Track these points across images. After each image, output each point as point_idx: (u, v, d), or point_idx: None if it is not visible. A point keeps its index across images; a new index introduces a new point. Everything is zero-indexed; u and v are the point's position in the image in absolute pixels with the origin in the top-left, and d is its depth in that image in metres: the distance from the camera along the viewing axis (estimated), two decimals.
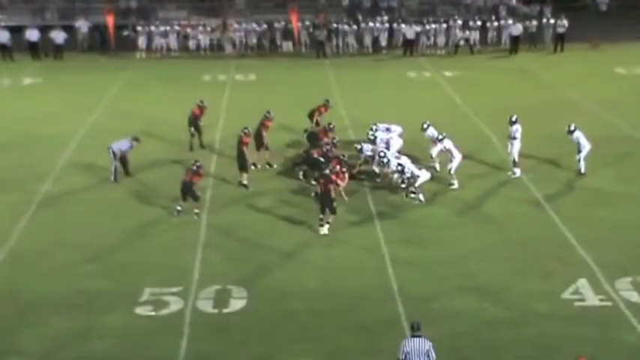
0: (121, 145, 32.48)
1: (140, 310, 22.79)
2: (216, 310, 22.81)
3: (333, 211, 27.40)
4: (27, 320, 22.39)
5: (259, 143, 33.18)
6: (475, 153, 33.49)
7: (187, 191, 28.44)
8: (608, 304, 22.87)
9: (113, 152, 32.21)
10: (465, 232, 27.68)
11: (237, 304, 23.09)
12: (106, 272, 25.07)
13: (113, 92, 43.17)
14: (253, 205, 29.78)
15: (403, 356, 17.86)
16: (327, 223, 27.42)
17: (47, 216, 29.49)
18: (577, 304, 22.91)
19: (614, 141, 35.63)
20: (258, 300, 23.23)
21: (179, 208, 28.70)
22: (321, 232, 27.28)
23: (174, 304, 23.02)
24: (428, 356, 17.71)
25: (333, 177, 28.07)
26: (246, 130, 31.64)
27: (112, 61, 57.06)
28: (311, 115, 36.53)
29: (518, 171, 31.48)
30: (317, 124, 35.88)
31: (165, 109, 42.39)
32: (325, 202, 27.38)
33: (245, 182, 31.41)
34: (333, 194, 27.53)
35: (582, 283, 23.94)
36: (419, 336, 17.94)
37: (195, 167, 28.91)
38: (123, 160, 32.50)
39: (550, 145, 35.16)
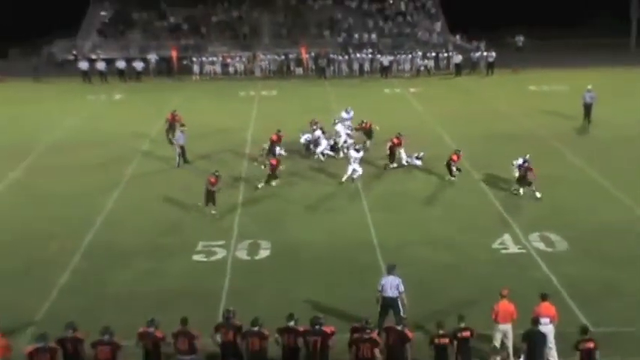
0: (178, 138, 32.49)
1: (196, 257, 22.82)
2: (249, 258, 22.81)
3: None
4: (118, 263, 22.47)
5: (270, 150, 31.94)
6: (431, 147, 33.32)
7: (209, 195, 26.23)
8: (524, 251, 22.86)
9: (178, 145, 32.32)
10: (425, 203, 27.60)
11: (264, 253, 23.09)
12: (172, 230, 25.08)
13: (176, 104, 42.98)
14: (274, 185, 29.72)
15: (380, 287, 17.87)
16: None
17: (132, 191, 29.49)
18: (502, 252, 22.89)
19: (527, 138, 35.52)
20: (279, 250, 23.20)
21: (213, 212, 26.35)
22: None
23: (220, 253, 23.04)
24: (397, 288, 17.67)
25: None
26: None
27: (175, 82, 56.85)
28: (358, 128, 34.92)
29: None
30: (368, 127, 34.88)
31: (213, 116, 42.31)
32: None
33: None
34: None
35: (506, 237, 23.91)
36: (392, 274, 17.94)
37: (213, 175, 26.63)
38: (182, 149, 32.45)
39: (485, 141, 35.09)
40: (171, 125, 35.88)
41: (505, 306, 16.69)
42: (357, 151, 30.32)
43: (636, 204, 26.62)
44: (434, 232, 24.67)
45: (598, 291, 20.05)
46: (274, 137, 32.44)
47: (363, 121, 34.73)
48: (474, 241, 23.71)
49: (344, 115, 35.80)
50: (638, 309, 19.00)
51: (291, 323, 15.80)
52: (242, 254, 23.00)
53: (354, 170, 29.50)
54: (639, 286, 20.27)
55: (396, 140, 31.50)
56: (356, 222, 25.66)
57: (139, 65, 57.71)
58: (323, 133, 33.23)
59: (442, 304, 18.86)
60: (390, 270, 18.07)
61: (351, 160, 29.65)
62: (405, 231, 24.72)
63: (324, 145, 32.89)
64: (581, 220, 25.41)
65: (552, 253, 22.66)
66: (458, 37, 66.75)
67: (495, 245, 23.31)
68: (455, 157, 29.54)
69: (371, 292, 18.92)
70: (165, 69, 59.74)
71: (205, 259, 22.66)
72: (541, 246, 23.22)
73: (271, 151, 31.89)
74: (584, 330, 15.68)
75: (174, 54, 60.22)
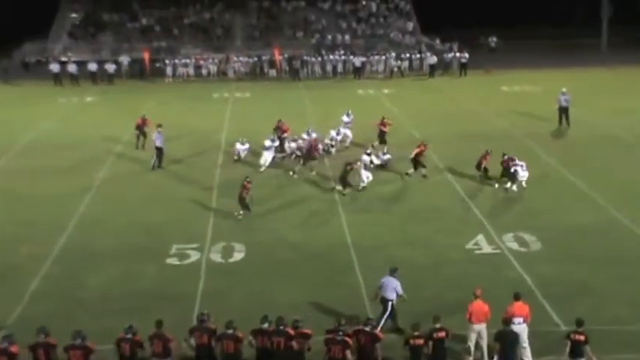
0: (156, 139, 32.38)
1: (170, 261, 22.71)
2: (223, 260, 22.73)
3: None
4: (91, 267, 22.31)
5: None
6: (405, 148, 33.28)
7: (240, 201, 25.97)
8: (498, 251, 22.98)
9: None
10: (399, 204, 27.66)
11: (238, 255, 23.02)
12: (145, 234, 24.94)
13: (149, 107, 42.82)
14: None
15: (380, 285, 18.09)
16: None
17: (104, 194, 29.30)
18: (476, 252, 23.00)
19: (501, 138, 35.68)
20: (253, 253, 23.13)
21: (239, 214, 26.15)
22: None
23: (194, 256, 22.94)
24: (395, 290, 17.83)
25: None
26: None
27: (147, 85, 56.59)
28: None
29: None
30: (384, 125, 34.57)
31: (186, 118, 42.16)
32: None
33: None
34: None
35: (480, 237, 24.01)
36: (393, 276, 18.07)
37: (246, 181, 26.31)
38: (160, 151, 32.26)
39: (459, 141, 35.29)
40: (142, 130, 35.66)
41: (479, 306, 16.76)
42: (369, 155, 30.34)
43: (611, 204, 26.83)
44: (408, 232, 24.71)
45: (571, 291, 20.18)
46: (285, 127, 33.59)
47: (383, 117, 34.78)
48: (448, 241, 23.78)
49: (345, 118, 35.84)
50: (611, 308, 19.17)
51: (265, 325, 15.78)
52: (216, 257, 22.92)
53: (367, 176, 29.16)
54: (612, 286, 20.44)
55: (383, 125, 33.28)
56: (330, 223, 25.66)
57: (110, 67, 57.28)
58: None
59: (417, 305, 18.89)
60: (392, 271, 18.22)
61: (364, 165, 29.43)
62: (380, 232, 24.75)
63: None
64: (556, 220, 25.58)
65: (526, 254, 22.79)
66: (438, 40, 66.81)
67: (469, 246, 23.40)
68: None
69: (347, 293, 18.99)
70: (138, 71, 59.38)
71: (179, 263, 22.54)
72: (515, 246, 23.34)
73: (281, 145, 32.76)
74: (579, 322, 15.86)
75: (146, 56, 59.89)
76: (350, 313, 18.35)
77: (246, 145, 33.15)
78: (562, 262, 22.09)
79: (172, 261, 22.68)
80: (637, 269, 21.52)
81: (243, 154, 33.03)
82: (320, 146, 32.45)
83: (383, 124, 34.00)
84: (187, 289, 20.67)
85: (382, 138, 33.78)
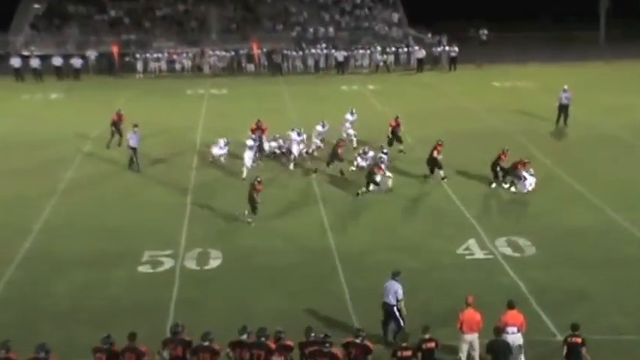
0: (130, 139, 32.23)
1: (142, 268, 22.64)
2: (198, 267, 22.70)
3: None
4: (57, 274, 22.23)
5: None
6: (391, 147, 33.46)
7: (250, 201, 25.85)
8: (490, 257, 23.09)
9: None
10: (386, 207, 27.70)
11: (214, 262, 23.00)
12: (115, 239, 24.85)
13: (119, 104, 42.64)
14: (227, 188, 29.65)
15: (383, 289, 18.10)
16: None
17: (72, 196, 29.21)
18: (468, 257, 23.09)
19: (493, 136, 35.80)
20: (231, 259, 23.12)
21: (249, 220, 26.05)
22: None
23: (167, 264, 22.87)
24: (395, 294, 17.83)
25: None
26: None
27: (117, 80, 56.41)
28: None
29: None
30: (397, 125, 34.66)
31: (158, 116, 42.06)
32: None
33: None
34: None
35: (472, 242, 24.11)
36: (394, 279, 18.08)
37: (256, 181, 26.04)
38: (134, 151, 32.13)
39: (449, 140, 35.09)
40: (117, 127, 35.53)
41: (471, 315, 16.81)
42: (386, 153, 30.23)
43: (609, 206, 27.02)
44: (395, 237, 24.77)
45: (568, 297, 20.30)
46: (264, 127, 33.30)
47: (398, 117, 34.91)
48: (437, 246, 23.87)
49: (348, 117, 35.82)
50: (609, 316, 19.31)
51: (244, 336, 15.75)
52: (191, 264, 22.88)
53: (389, 178, 29.07)
54: (610, 292, 20.59)
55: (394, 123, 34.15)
56: (313, 227, 25.69)
57: (77, 62, 57.09)
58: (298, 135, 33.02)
59: (406, 313, 18.95)
60: (394, 275, 18.26)
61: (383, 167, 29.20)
62: (366, 236, 24.82)
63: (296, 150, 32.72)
64: (551, 223, 25.72)
65: (520, 259, 22.91)
66: (429, 34, 66.86)
67: (460, 251, 23.50)
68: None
69: (330, 302, 18.99)
70: (106, 66, 59.20)
71: (151, 270, 22.49)
72: (508, 251, 23.45)
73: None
74: (575, 327, 16.07)
75: (115, 50, 59.69)
76: (334, 322, 18.37)
77: (225, 150, 32.91)
78: (558, 267, 22.22)
79: (144, 268, 22.61)
80: (636, 274, 21.68)
81: (223, 158, 32.78)
82: (303, 146, 32.57)
83: (397, 123, 34.26)
84: (160, 298, 20.61)
85: (397, 136, 34.12)
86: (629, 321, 19.09)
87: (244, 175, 30.15)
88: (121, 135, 35.28)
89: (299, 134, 32.84)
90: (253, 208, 25.87)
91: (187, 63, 60.03)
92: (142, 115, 40.11)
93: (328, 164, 31.02)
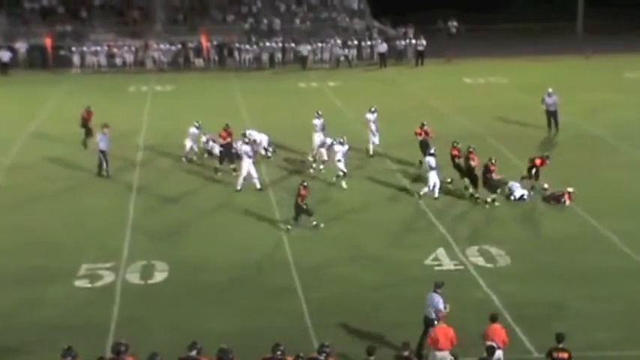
0: (99, 141, 31.92)
1: (79, 283, 22.51)
2: (142, 282, 22.63)
3: None
4: None
5: None
6: (353, 150, 33.28)
7: (296, 207, 25.96)
8: (461, 267, 23.27)
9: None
10: (349, 215, 27.79)
11: (160, 276, 22.93)
12: (50, 252, 24.66)
13: (53, 102, 42.42)
14: (172, 193, 29.57)
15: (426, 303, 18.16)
16: None
17: (1, 204, 28.91)
18: (436, 268, 23.21)
19: (464, 138, 35.85)
20: (178, 273, 23.04)
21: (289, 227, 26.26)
22: None
23: (107, 278, 22.77)
24: (434, 308, 17.80)
25: None
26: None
27: (50, 76, 55.97)
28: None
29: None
30: (426, 133, 33.26)
31: (97, 116, 41.57)
32: None
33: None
34: None
35: (440, 251, 24.27)
36: (435, 291, 18.06)
37: (301, 186, 26.13)
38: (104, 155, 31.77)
39: (415, 143, 35.41)
40: (86, 126, 35.19)
41: (444, 330, 16.87)
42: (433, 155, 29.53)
43: (589, 213, 27.31)
44: (359, 247, 24.85)
45: (545, 312, 20.50)
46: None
47: (423, 124, 33.53)
48: (403, 257, 23.99)
49: (369, 116, 34.99)
50: (587, 332, 19.48)
51: (193, 353, 15.75)
52: (134, 278, 22.81)
53: (434, 183, 28.79)
54: (590, 307, 20.80)
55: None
56: (267, 239, 25.69)
57: (5, 55, 56.78)
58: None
59: (370, 329, 19.03)
60: (436, 286, 18.21)
61: (430, 171, 28.94)
62: (326, 247, 24.88)
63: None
64: (527, 231, 25.98)
65: (493, 270, 23.12)
66: (404, 28, 67.06)
67: (428, 261, 23.64)
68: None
69: (287, 320, 18.96)
70: (39, 60, 58.85)
71: (90, 285, 22.38)
72: (480, 261, 23.65)
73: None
74: (560, 337, 16.14)
75: (48, 42, 59.28)
76: (292, 339, 18.39)
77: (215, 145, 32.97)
78: (534, 279, 22.44)
79: (82, 283, 22.49)
80: (617, 287, 21.92)
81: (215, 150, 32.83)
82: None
83: (426, 132, 32.88)
84: (100, 315, 20.51)
85: (427, 144, 32.09)
86: (610, 336, 19.32)
87: (258, 185, 29.94)
88: (91, 135, 35.03)
89: (342, 144, 31.16)
90: (299, 213, 25.86)
91: (129, 57, 59.80)
92: (78, 114, 39.83)
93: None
